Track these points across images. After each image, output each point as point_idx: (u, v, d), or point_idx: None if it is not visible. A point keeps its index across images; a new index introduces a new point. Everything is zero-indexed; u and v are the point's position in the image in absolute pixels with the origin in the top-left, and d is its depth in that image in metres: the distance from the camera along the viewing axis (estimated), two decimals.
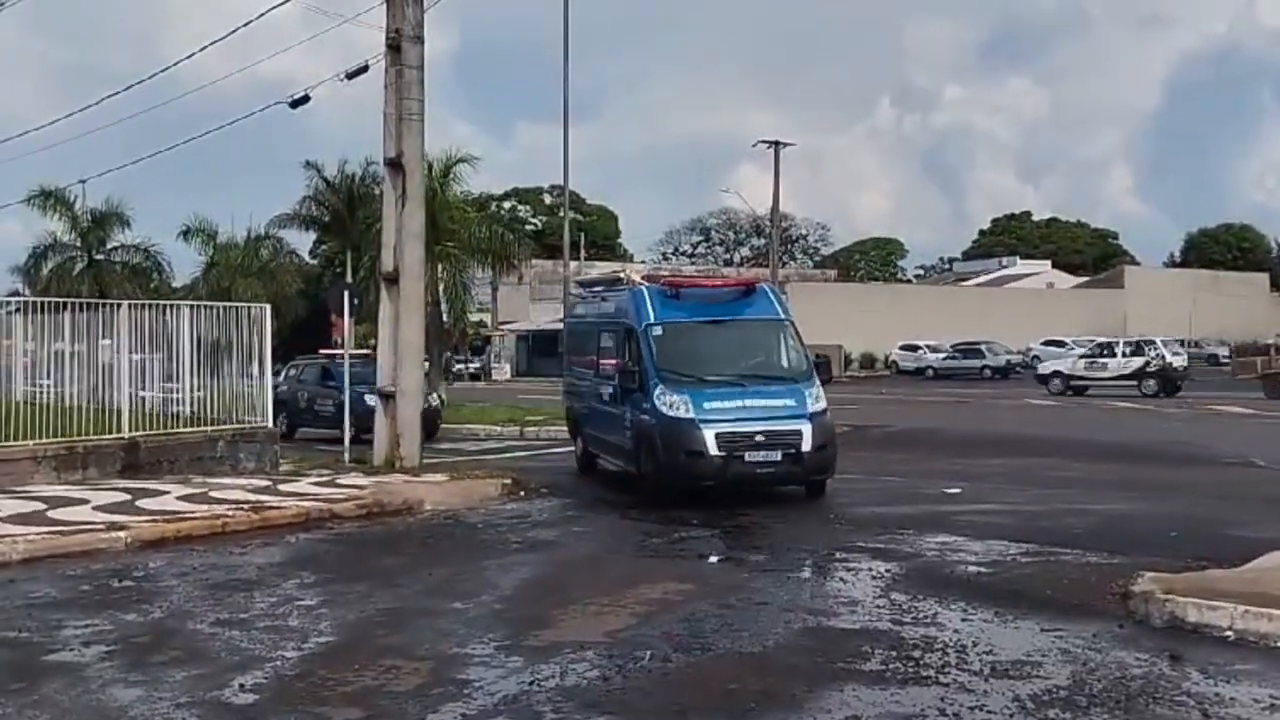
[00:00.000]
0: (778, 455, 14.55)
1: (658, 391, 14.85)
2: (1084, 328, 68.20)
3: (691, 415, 14.53)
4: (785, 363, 15.89)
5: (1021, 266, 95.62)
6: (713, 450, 14.38)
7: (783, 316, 16.36)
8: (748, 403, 14.77)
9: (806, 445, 14.62)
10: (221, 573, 10.69)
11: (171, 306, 18.86)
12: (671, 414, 14.64)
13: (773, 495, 15.24)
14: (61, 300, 19.23)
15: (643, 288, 16.68)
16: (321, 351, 31.19)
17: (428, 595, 9.84)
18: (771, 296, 16.68)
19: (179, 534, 12.38)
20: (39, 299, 23.04)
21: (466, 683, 7.22)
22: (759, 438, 14.51)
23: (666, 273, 38.47)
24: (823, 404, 15.13)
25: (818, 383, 15.55)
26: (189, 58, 25.26)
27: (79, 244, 46.15)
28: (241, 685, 7.18)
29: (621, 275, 18.16)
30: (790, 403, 14.87)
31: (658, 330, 15.55)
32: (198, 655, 7.88)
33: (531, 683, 7.17)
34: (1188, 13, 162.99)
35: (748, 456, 14.49)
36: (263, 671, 7.47)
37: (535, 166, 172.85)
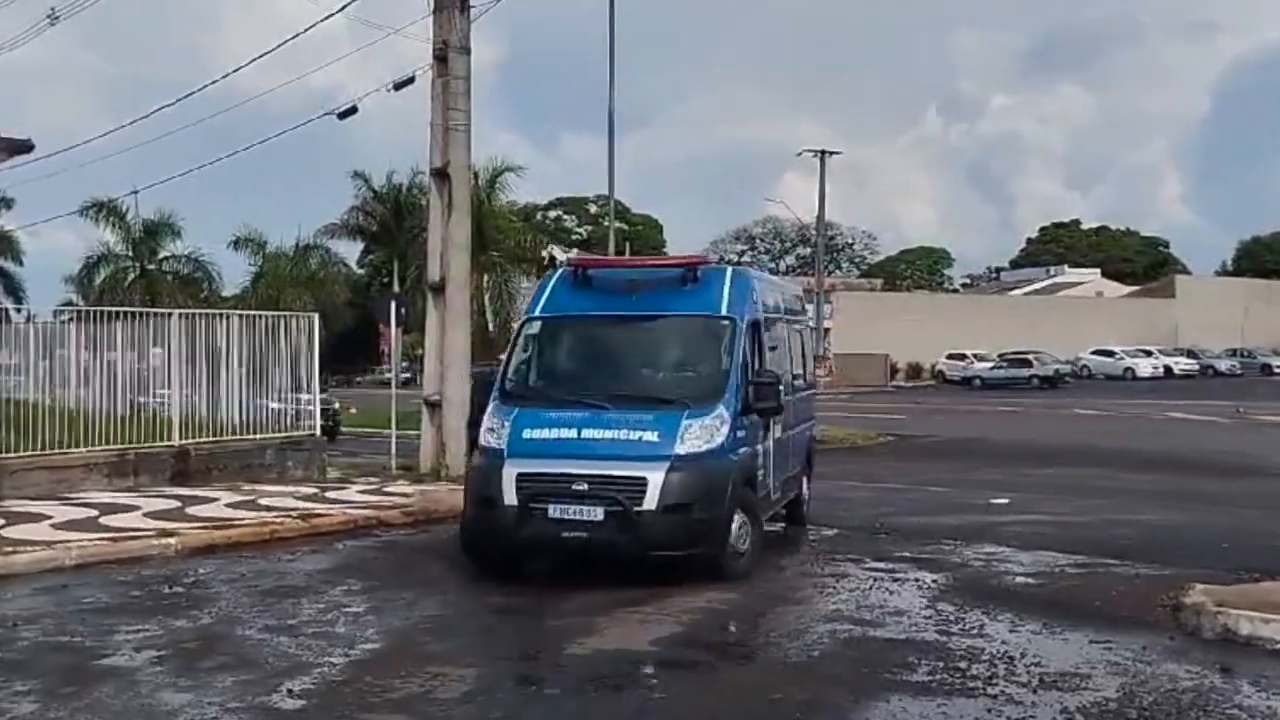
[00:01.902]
0: (599, 513, 9.93)
1: (488, 412, 10.99)
2: (1135, 337, 67.56)
3: (501, 446, 10.47)
4: (699, 377, 11.09)
5: (1070, 275, 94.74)
6: (509, 498, 10.10)
7: (725, 313, 11.12)
8: (588, 432, 10.33)
9: (649, 502, 9.88)
10: (270, 579, 10.79)
11: (221, 316, 19.07)
12: (483, 444, 10.77)
13: (810, 503, 15.11)
14: (114, 310, 19.49)
15: (554, 272, 13.02)
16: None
17: (475, 602, 9.88)
18: (724, 285, 11.45)
19: (228, 540, 12.50)
20: (93, 308, 23.39)
21: (511, 690, 7.24)
22: (579, 485, 10.01)
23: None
24: (712, 443, 10.23)
25: (726, 412, 10.45)
26: (238, 70, 25.64)
27: (131, 254, 46.77)
28: (289, 691, 7.22)
29: (544, 255, 15.74)
30: (649, 437, 10.18)
31: (533, 328, 11.82)
32: (246, 661, 7.95)
33: (576, 691, 7.17)
34: (1238, 18, 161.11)
35: (552, 511, 9.99)
36: (309, 677, 7.52)
37: (580, 176, 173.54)
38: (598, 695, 7.10)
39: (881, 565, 11.32)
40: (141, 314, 18.77)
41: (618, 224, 42.89)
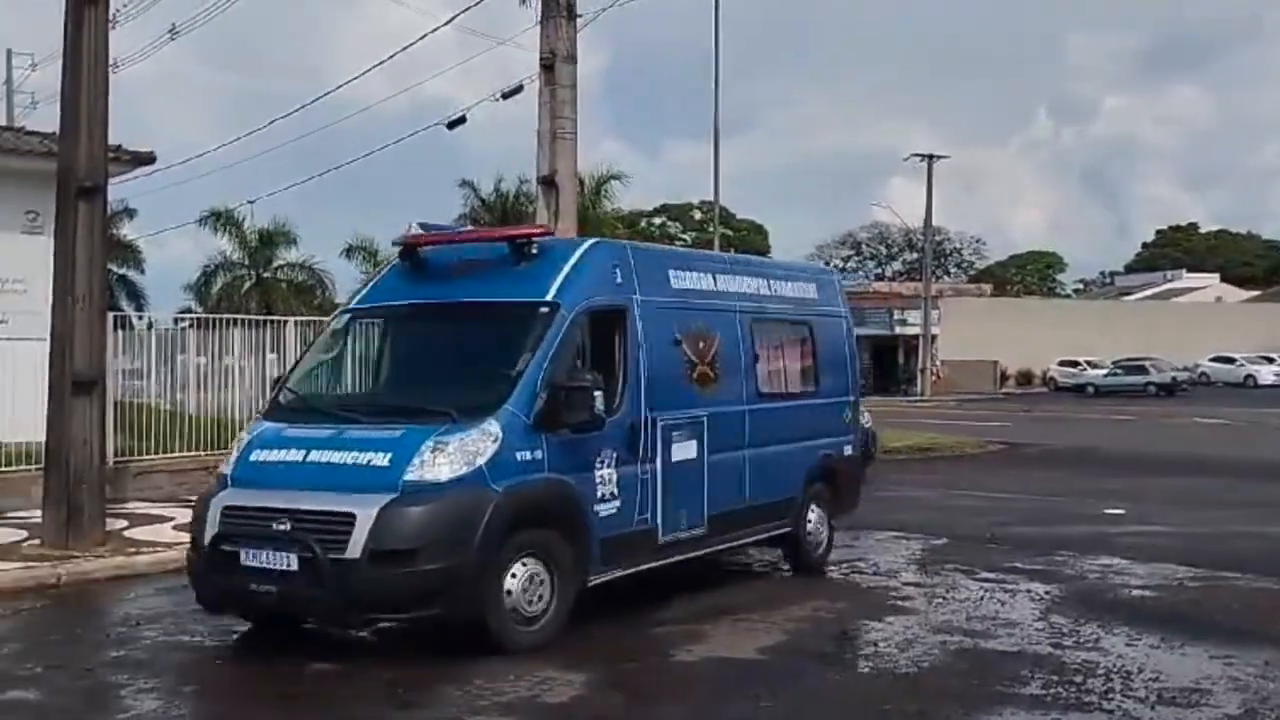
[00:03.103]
0: (292, 561, 7.77)
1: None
2: (1256, 343, 65.48)
3: (227, 472, 8.65)
4: (483, 380, 8.68)
5: (1188, 280, 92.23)
6: (207, 537, 8.21)
7: (548, 298, 8.79)
8: (316, 455, 8.28)
9: (353, 548, 7.64)
10: None
11: None
12: (223, 470, 8.83)
13: (919, 511, 14.90)
14: (231, 316, 19.98)
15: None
16: None
17: (578, 606, 9.91)
18: (565, 263, 9.08)
19: None
20: (211, 315, 24.00)
21: (618, 696, 7.28)
22: (280, 523, 7.87)
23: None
24: (469, 466, 7.91)
25: (497, 426, 8.10)
26: (350, 82, 26.21)
27: (247, 262, 47.87)
28: (400, 691, 7.34)
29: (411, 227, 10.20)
30: (379, 460, 8.00)
31: (339, 323, 10.04)
32: (353, 661, 8.10)
33: (682, 697, 7.21)
34: None
35: (245, 556, 7.96)
36: (419, 678, 7.63)
37: (685, 182, 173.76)
38: (704, 704, 7.09)
39: (993, 576, 11.14)
40: (257, 321, 19.22)
41: (722, 229, 42.90)
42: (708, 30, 32.39)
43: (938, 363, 58.25)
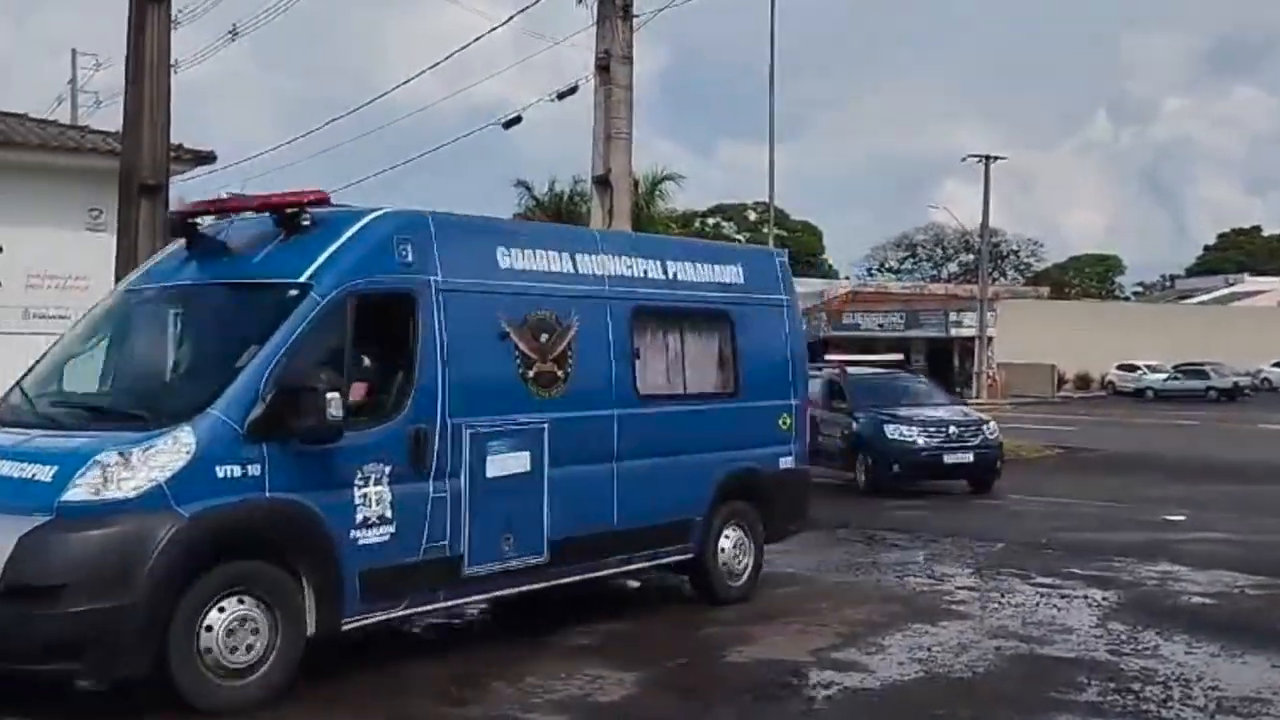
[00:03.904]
0: None
1: None
2: None
3: None
4: (194, 378, 7.66)
5: (1250, 284, 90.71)
6: None
7: (301, 279, 7.38)
8: None
9: None
10: None
11: None
12: None
13: (973, 516, 14.77)
14: None
15: None
16: (830, 357, 23.11)
17: (631, 607, 9.94)
18: (339, 238, 7.63)
19: None
20: None
21: (670, 695, 7.27)
22: None
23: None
24: (151, 482, 6.54)
25: (190, 436, 6.73)
26: (407, 83, 26.39)
27: None
28: (453, 688, 7.39)
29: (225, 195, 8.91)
30: (42, 475, 6.68)
31: (101, 309, 8.53)
32: (411, 658, 8.17)
33: (734, 698, 7.18)
34: None
35: None
36: (473, 677, 7.67)
37: (739, 183, 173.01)
38: (756, 704, 7.08)
39: (1049, 581, 11.00)
40: None
41: (777, 230, 42.74)
42: (764, 31, 32.27)
43: (993, 366, 57.69)
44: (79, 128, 21.71)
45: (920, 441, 17.86)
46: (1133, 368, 61.79)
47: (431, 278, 7.82)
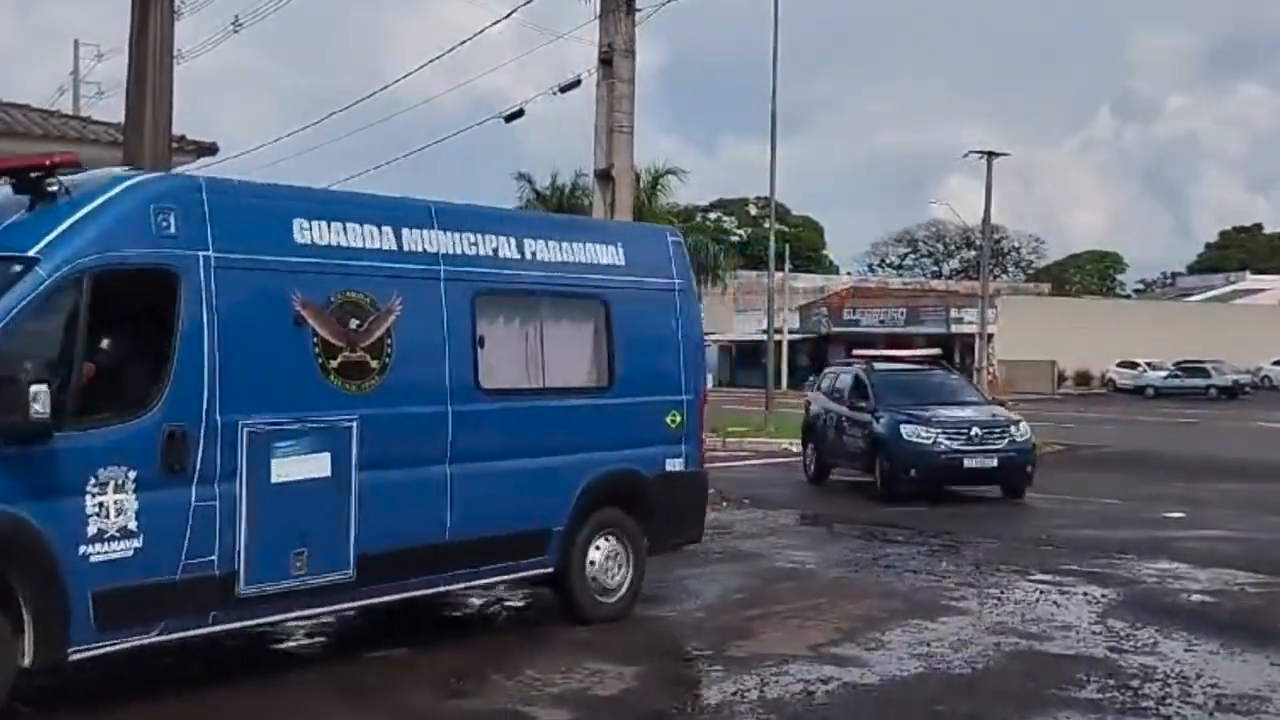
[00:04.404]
0: None
1: None
2: None
3: None
4: None
5: (1252, 282, 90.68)
6: None
7: (31, 252, 6.45)
8: None
9: None
10: None
11: None
12: None
13: (973, 512, 14.78)
14: None
15: None
16: (857, 352, 21.39)
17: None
18: (86, 206, 6.66)
19: None
20: None
21: (669, 690, 7.31)
22: None
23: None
24: None
25: None
26: (408, 76, 26.35)
27: None
28: (453, 682, 7.40)
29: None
30: None
31: None
32: (412, 652, 8.18)
33: (734, 693, 7.18)
34: None
35: None
36: (473, 670, 7.68)
37: (741, 179, 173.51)
38: (757, 699, 7.08)
39: (1049, 578, 11.00)
40: None
41: (778, 226, 42.73)
42: (766, 26, 32.29)
43: (994, 363, 57.69)
44: (81, 118, 21.71)
45: (939, 444, 16.33)
46: (1133, 365, 61.80)
47: (201, 253, 6.82)
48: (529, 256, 8.65)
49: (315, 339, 7.28)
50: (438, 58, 40.75)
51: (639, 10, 18.82)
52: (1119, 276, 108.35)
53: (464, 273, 8.16)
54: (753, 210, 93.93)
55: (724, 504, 16.05)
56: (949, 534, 13.51)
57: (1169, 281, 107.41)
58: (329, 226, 7.48)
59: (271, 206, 7.41)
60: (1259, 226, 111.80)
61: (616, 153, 18.84)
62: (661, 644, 8.42)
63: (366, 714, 6.88)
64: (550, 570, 8.63)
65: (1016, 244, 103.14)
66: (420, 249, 7.94)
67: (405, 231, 7.88)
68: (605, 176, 18.96)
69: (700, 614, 9.49)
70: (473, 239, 8.31)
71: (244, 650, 8.09)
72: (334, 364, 7.34)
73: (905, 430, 16.42)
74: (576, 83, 19.81)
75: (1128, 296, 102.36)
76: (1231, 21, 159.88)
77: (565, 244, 8.94)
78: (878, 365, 19.06)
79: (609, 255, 9.21)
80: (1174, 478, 20.43)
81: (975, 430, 16.53)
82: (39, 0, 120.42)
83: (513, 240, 8.57)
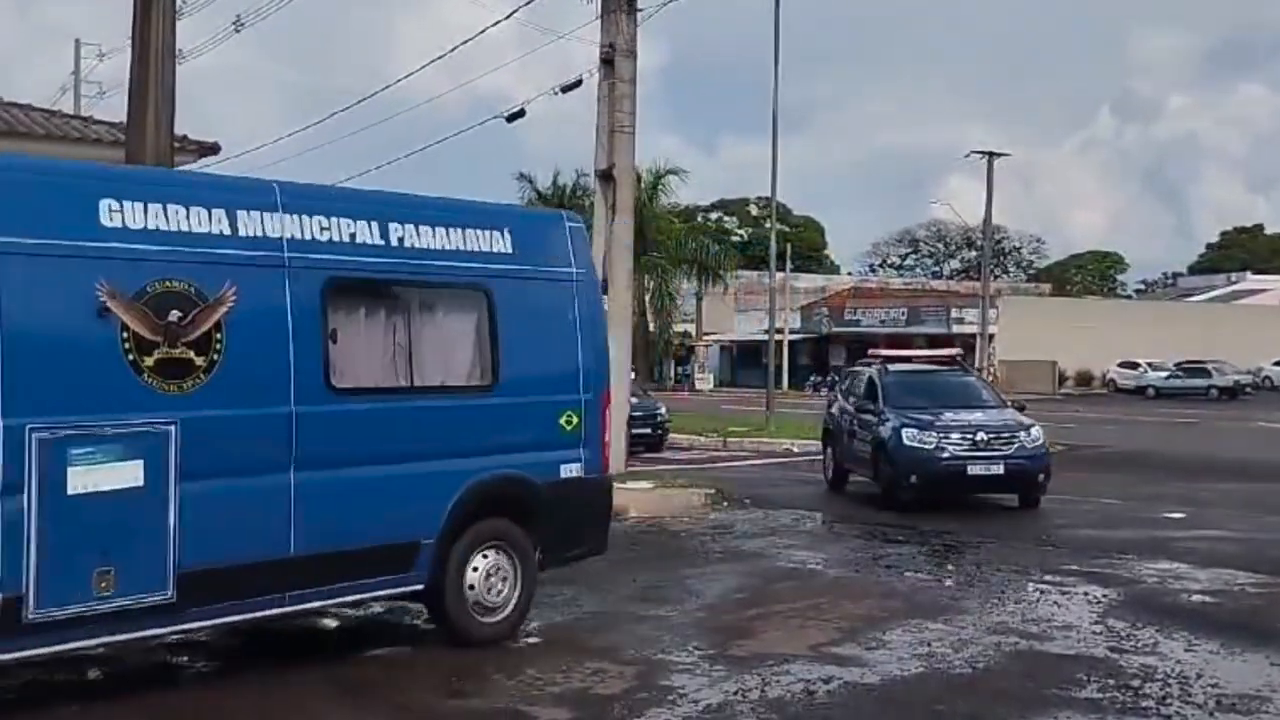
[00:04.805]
0: None
1: None
2: None
3: None
4: None
5: (1253, 282, 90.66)
6: None
7: None
8: None
9: None
10: None
11: None
12: None
13: (973, 512, 14.76)
14: None
15: None
16: (873, 352, 20.13)
17: (633, 600, 9.96)
18: None
19: None
20: None
21: (671, 689, 7.29)
22: None
23: None
24: None
25: None
26: (410, 76, 26.34)
27: None
28: (454, 680, 7.42)
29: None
30: None
31: None
32: (414, 649, 8.21)
33: (735, 692, 7.19)
34: None
35: None
36: (475, 668, 7.68)
37: (742, 178, 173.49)
38: (758, 699, 7.09)
39: (1049, 578, 11.01)
40: None
41: (779, 226, 42.75)
42: (767, 26, 32.29)
43: (995, 363, 57.68)
44: (83, 118, 21.72)
45: (942, 449, 15.40)
46: (1134, 365, 61.79)
47: None
48: (395, 242, 7.84)
49: (125, 333, 6.54)
50: (439, 58, 40.86)
51: (640, 10, 18.85)
52: (1120, 277, 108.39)
53: (313, 260, 7.38)
54: (754, 210, 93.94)
55: (725, 504, 16.10)
56: (950, 534, 13.51)
57: (1170, 282, 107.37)
58: (145, 209, 6.76)
59: (74, 186, 6.71)
60: (1260, 227, 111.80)
61: (618, 152, 18.87)
62: (663, 643, 8.42)
63: (367, 713, 6.89)
64: (421, 587, 7.89)
65: (1017, 244, 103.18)
66: (260, 233, 7.17)
67: (241, 214, 7.14)
68: (606, 176, 18.99)
69: (701, 613, 9.50)
70: (324, 223, 7.51)
71: (245, 648, 8.12)
72: (149, 361, 6.62)
73: (906, 435, 15.58)
74: (578, 83, 19.86)
75: (1129, 297, 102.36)
76: (1232, 21, 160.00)
77: (441, 229, 8.09)
78: (892, 366, 18.17)
79: (494, 241, 8.36)
80: (1174, 478, 20.44)
81: (981, 435, 15.59)
82: None
83: (375, 224, 7.75)
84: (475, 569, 8.10)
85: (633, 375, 23.45)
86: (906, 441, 15.54)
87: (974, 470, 15.39)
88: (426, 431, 7.87)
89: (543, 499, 8.42)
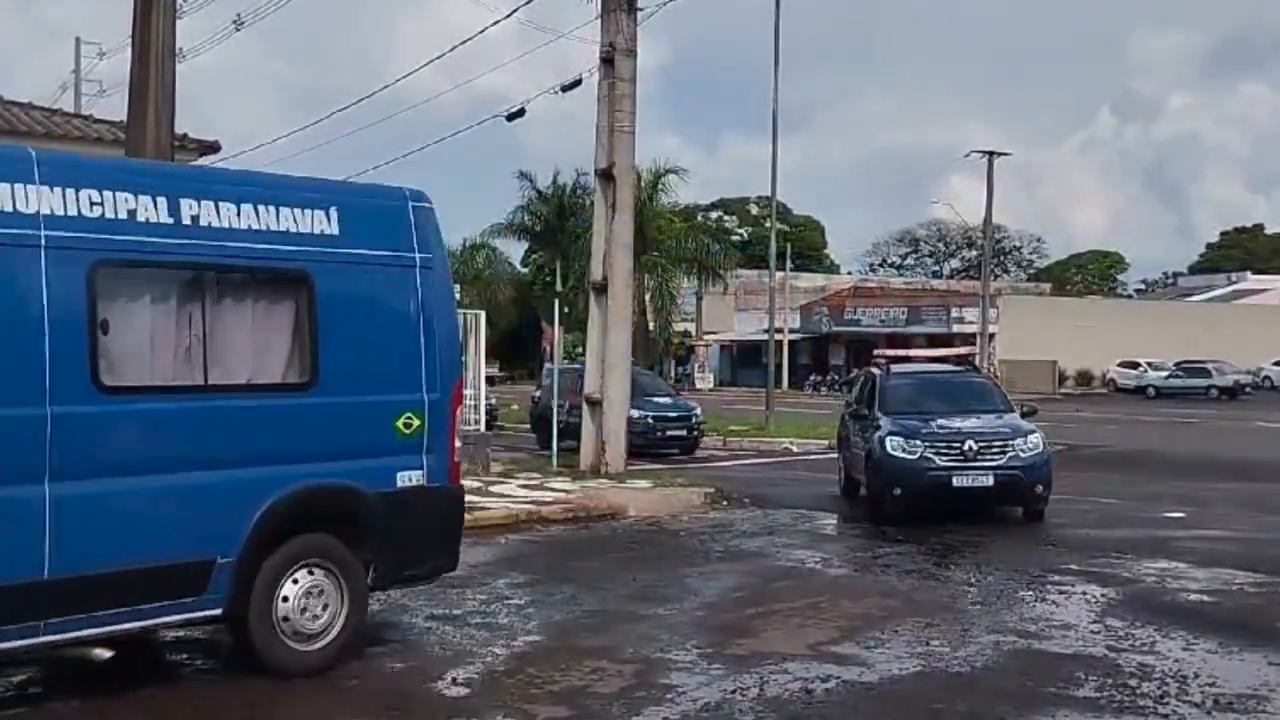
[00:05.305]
0: None
1: None
2: None
3: None
4: None
5: (1253, 282, 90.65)
6: None
7: None
8: None
9: None
10: None
11: None
12: None
13: (981, 511, 14.77)
14: None
15: None
16: (879, 353, 20.27)
17: (632, 599, 9.97)
18: None
19: None
20: None
21: (669, 688, 7.30)
22: None
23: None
24: None
25: None
26: (410, 75, 26.45)
27: None
28: (454, 679, 7.43)
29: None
30: None
31: None
32: (412, 648, 8.21)
33: (734, 691, 7.20)
34: None
35: None
36: (474, 666, 7.72)
37: (742, 178, 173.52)
38: (754, 697, 7.10)
39: (1048, 577, 11.01)
40: None
41: (779, 225, 42.75)
42: (768, 25, 32.28)
43: (994, 362, 57.72)
44: (83, 116, 21.77)
45: (925, 459, 14.29)
46: (1134, 365, 61.83)
47: None
48: (187, 221, 6.85)
49: None
50: (439, 57, 40.85)
51: (640, 10, 18.89)
52: (1120, 276, 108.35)
53: (77, 239, 6.43)
54: (754, 209, 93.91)
55: (724, 503, 16.12)
56: (949, 533, 13.51)
57: (1170, 281, 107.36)
58: None
59: None
60: (1260, 227, 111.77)
61: (618, 151, 18.92)
62: (662, 642, 8.43)
63: (366, 711, 6.90)
64: (219, 612, 6.94)
65: (1018, 243, 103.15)
66: (8, 208, 6.24)
67: None
68: (607, 175, 19.05)
69: (700, 612, 9.51)
70: (95, 197, 6.54)
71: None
72: None
73: (890, 443, 14.46)
74: (578, 82, 19.92)
75: (1129, 296, 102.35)
76: (1232, 21, 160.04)
77: (248, 206, 7.10)
78: (895, 368, 17.34)
79: (316, 221, 7.38)
80: (1174, 477, 20.46)
81: (970, 444, 14.29)
82: None
83: (161, 200, 6.77)
84: (288, 591, 7.17)
85: (671, 378, 23.35)
86: (890, 451, 14.45)
87: (960, 482, 14.22)
88: (223, 436, 6.91)
89: (374, 511, 7.48)
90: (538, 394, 22.52)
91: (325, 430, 7.34)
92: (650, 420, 24.00)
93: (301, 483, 7.17)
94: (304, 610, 7.21)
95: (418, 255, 7.84)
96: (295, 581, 7.19)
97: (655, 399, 25.06)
